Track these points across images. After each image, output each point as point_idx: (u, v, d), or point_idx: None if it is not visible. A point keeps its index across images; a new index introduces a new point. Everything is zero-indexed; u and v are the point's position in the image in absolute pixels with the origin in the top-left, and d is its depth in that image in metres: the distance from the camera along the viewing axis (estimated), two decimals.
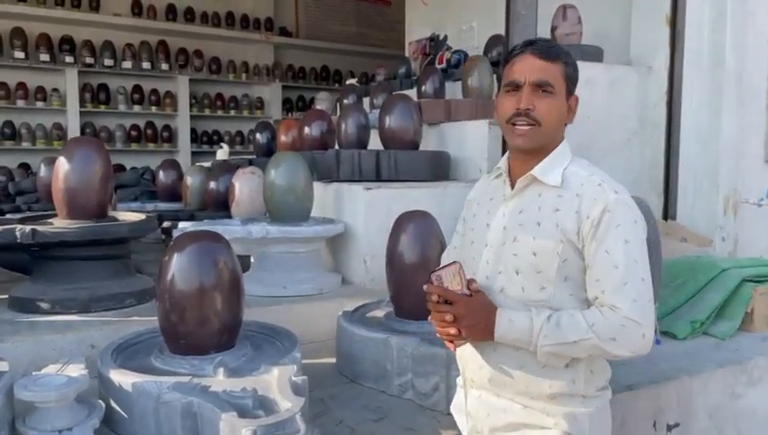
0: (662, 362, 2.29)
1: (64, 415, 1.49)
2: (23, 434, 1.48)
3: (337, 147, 3.66)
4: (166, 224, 3.45)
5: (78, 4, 7.52)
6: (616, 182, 1.40)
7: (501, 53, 4.21)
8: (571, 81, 1.43)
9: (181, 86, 8.02)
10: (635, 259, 1.33)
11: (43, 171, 3.85)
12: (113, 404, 1.70)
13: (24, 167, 6.76)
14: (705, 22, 3.52)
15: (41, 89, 7.29)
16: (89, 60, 7.47)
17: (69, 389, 1.50)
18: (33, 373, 1.60)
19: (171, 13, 8.14)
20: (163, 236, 3.56)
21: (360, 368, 2.17)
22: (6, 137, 7.08)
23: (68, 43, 7.41)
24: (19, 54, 7.06)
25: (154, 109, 7.91)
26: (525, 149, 1.42)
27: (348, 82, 6.31)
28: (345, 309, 2.40)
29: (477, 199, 1.57)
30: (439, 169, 3.39)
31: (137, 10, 7.95)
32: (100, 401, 1.62)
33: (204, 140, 8.36)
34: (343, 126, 3.56)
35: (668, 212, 3.72)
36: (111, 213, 2.75)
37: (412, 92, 4.31)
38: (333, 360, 2.34)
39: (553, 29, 3.86)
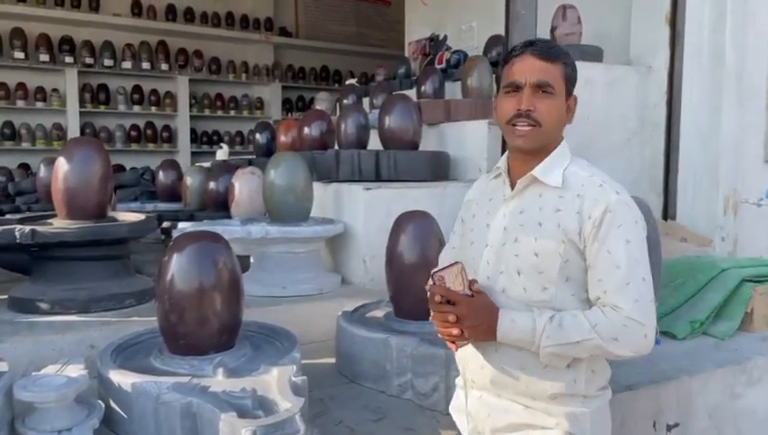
0: (662, 362, 2.29)
1: (64, 415, 1.49)
2: (22, 434, 1.48)
3: (336, 147, 3.66)
4: (165, 224, 3.45)
5: (78, 4, 7.52)
6: (616, 182, 1.40)
7: (500, 54, 4.21)
8: (571, 81, 1.44)
9: (181, 86, 8.02)
10: (636, 259, 1.34)
11: (42, 172, 3.85)
12: (113, 404, 1.70)
13: (24, 167, 6.76)
14: (705, 21, 3.51)
15: (40, 89, 7.28)
16: (89, 60, 7.47)
17: (68, 389, 1.50)
18: (33, 374, 1.60)
19: (171, 13, 8.14)
20: (163, 237, 3.56)
21: (360, 368, 2.17)
22: (6, 137, 7.08)
23: (68, 44, 7.41)
24: (19, 55, 7.05)
25: (154, 109, 7.91)
26: (526, 150, 1.42)
27: (347, 83, 6.31)
28: (345, 309, 2.40)
29: (476, 200, 1.57)
30: (439, 169, 3.39)
31: (136, 10, 7.94)
32: (100, 402, 1.62)
33: (203, 141, 8.35)
34: (343, 126, 3.56)
35: (668, 212, 3.72)
36: (111, 213, 2.75)
37: (412, 93, 4.31)
38: (333, 360, 2.34)
39: (553, 29, 3.85)
